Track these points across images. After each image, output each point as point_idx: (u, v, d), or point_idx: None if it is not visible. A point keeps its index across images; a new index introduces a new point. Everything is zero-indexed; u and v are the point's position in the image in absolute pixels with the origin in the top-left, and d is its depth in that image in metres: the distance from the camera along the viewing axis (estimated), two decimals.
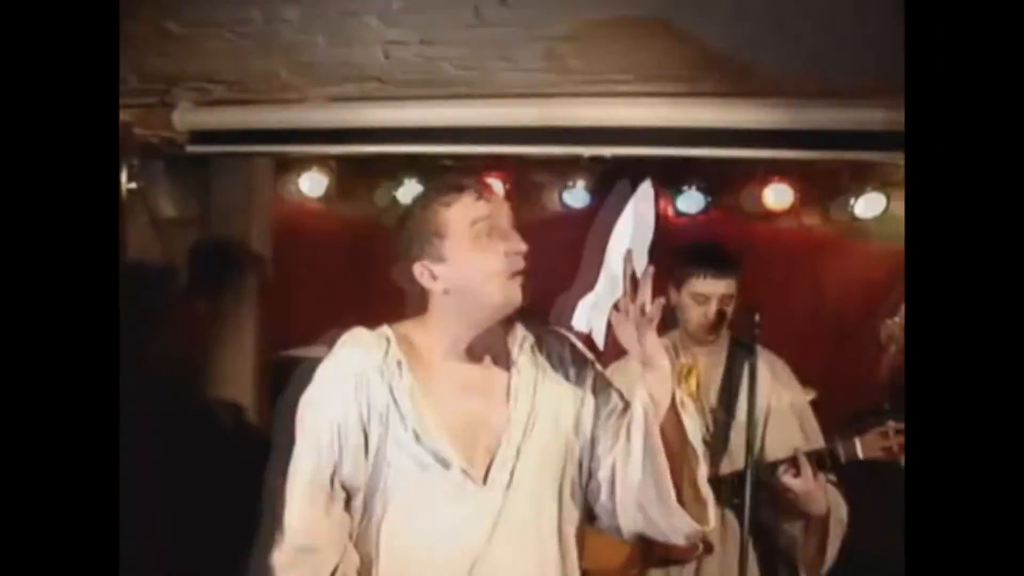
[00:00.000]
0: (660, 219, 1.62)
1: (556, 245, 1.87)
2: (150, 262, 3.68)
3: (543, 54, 2.72)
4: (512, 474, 1.65)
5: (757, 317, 2.36)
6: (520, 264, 1.66)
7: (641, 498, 1.62)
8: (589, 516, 1.76)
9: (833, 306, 4.31)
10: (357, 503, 1.67)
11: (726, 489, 2.27)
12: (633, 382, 1.64)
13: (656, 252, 1.62)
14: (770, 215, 4.16)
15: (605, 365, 1.84)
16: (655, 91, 2.95)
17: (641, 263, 1.59)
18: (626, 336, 1.62)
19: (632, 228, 1.61)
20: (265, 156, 3.76)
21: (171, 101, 3.26)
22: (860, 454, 2.30)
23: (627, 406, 1.68)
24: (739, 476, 2.33)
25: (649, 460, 1.59)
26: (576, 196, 4.04)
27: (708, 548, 2.38)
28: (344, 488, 1.66)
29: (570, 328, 1.70)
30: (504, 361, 1.73)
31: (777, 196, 4.07)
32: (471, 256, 1.65)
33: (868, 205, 4.01)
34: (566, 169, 4.03)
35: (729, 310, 2.45)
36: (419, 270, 1.68)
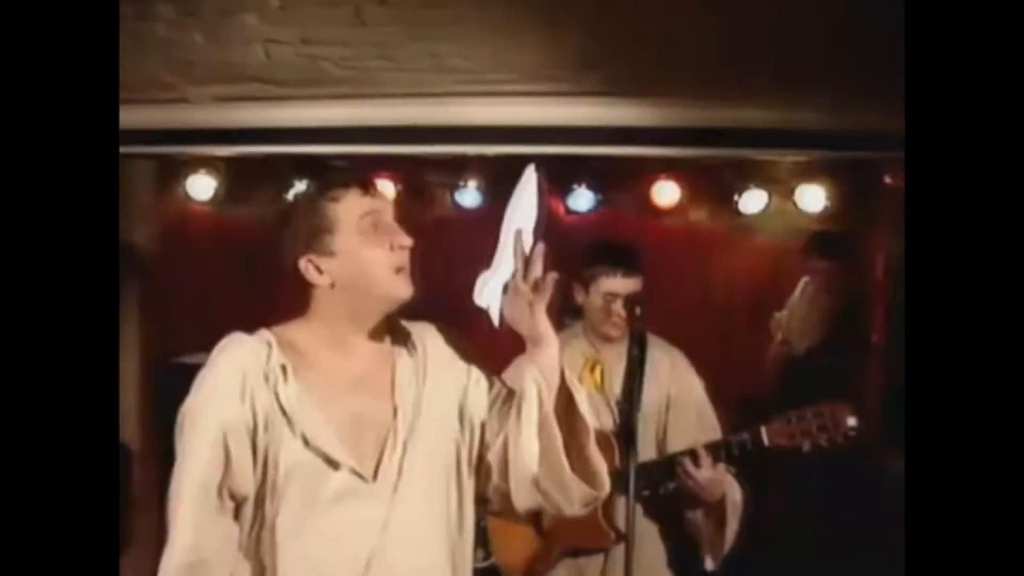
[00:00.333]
0: (552, 216, 1.65)
1: (449, 242, 1.87)
2: None
3: (425, 54, 2.72)
4: (401, 468, 1.64)
5: (638, 310, 2.44)
6: (406, 258, 1.66)
7: (536, 472, 1.64)
8: (482, 500, 1.76)
9: (721, 300, 4.45)
10: (247, 511, 1.63)
11: (636, 480, 2.30)
12: (524, 371, 1.67)
13: (561, 251, 1.65)
14: (659, 212, 4.26)
15: (499, 352, 1.84)
16: (539, 90, 2.98)
17: (529, 241, 1.63)
18: (516, 313, 1.65)
19: (520, 211, 1.67)
20: (146, 158, 3.63)
21: None
22: (766, 442, 2.37)
23: (511, 392, 1.70)
24: (646, 467, 2.39)
25: (544, 433, 1.62)
26: (468, 196, 4.05)
27: (619, 538, 2.41)
28: (232, 497, 1.61)
29: (457, 312, 1.71)
30: (388, 356, 1.72)
31: (665, 194, 4.18)
32: (359, 250, 1.64)
33: (751, 201, 4.15)
34: (458, 169, 4.03)
35: (638, 308, 2.50)
36: (304, 265, 1.66)
